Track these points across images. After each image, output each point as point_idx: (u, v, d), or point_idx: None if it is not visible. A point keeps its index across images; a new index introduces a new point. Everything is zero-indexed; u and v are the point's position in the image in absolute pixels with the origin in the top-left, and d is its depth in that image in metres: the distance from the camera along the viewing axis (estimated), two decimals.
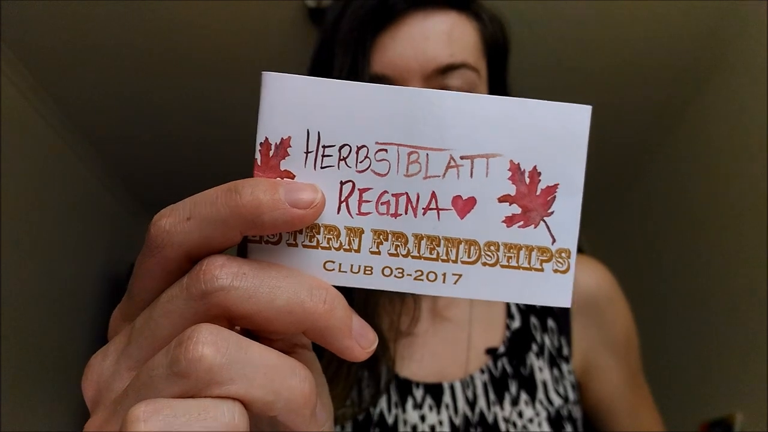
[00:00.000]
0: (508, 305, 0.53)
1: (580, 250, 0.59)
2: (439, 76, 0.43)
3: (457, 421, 0.46)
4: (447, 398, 0.47)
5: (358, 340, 0.17)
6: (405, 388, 0.47)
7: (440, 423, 0.46)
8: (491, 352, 0.49)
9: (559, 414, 0.48)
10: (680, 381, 1.78)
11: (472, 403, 0.47)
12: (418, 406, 0.46)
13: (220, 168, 2.41)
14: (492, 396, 0.47)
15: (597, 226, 2.47)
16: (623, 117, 2.02)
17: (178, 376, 0.15)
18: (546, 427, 0.46)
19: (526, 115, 0.17)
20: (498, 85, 0.49)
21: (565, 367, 0.51)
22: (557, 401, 0.48)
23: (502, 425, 0.46)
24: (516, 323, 0.51)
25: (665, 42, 1.66)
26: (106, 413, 0.17)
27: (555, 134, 0.18)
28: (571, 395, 0.50)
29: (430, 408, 0.46)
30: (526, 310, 0.53)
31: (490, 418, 0.46)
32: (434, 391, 0.47)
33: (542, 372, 0.49)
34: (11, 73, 1.76)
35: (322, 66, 0.46)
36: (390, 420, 0.45)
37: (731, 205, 1.67)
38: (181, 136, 2.20)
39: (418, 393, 0.47)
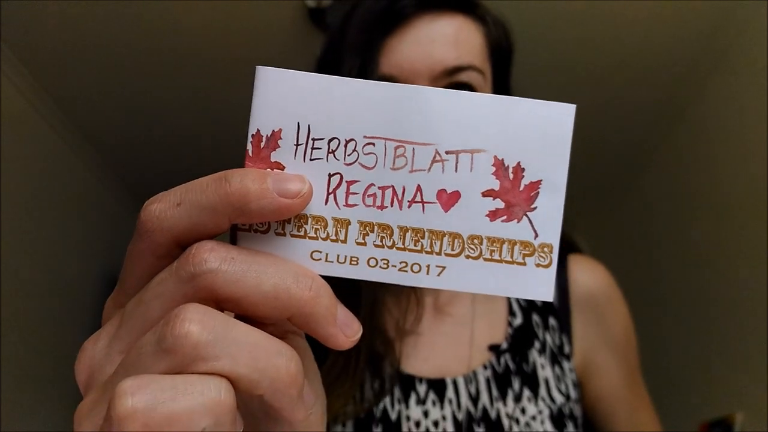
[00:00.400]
0: (509, 302, 0.53)
1: (578, 251, 0.59)
2: (445, 78, 0.44)
3: (460, 416, 0.46)
4: (450, 393, 0.47)
5: (343, 329, 0.17)
6: (408, 383, 0.47)
7: (443, 418, 0.46)
8: (494, 348, 0.50)
9: (561, 412, 0.48)
10: (680, 381, 1.78)
11: (475, 399, 0.47)
12: (421, 401, 0.46)
13: (220, 168, 2.41)
14: (495, 392, 0.47)
15: (597, 226, 2.47)
16: (623, 117, 2.02)
17: (165, 353, 0.15)
18: (549, 424, 0.47)
19: (510, 112, 0.18)
20: (502, 88, 0.50)
21: (566, 365, 0.51)
22: (559, 399, 0.48)
23: (505, 421, 0.46)
24: (518, 320, 0.52)
25: (665, 42, 1.66)
26: (98, 394, 0.17)
27: (539, 131, 0.18)
28: (573, 393, 0.50)
29: (434, 403, 0.46)
30: (528, 308, 0.53)
31: (493, 414, 0.46)
32: (437, 386, 0.47)
33: (544, 369, 0.50)
34: (11, 73, 1.76)
35: (329, 68, 0.46)
36: (393, 416, 0.45)
37: (731, 205, 1.67)
38: (182, 136, 2.20)
39: (421, 388, 0.47)
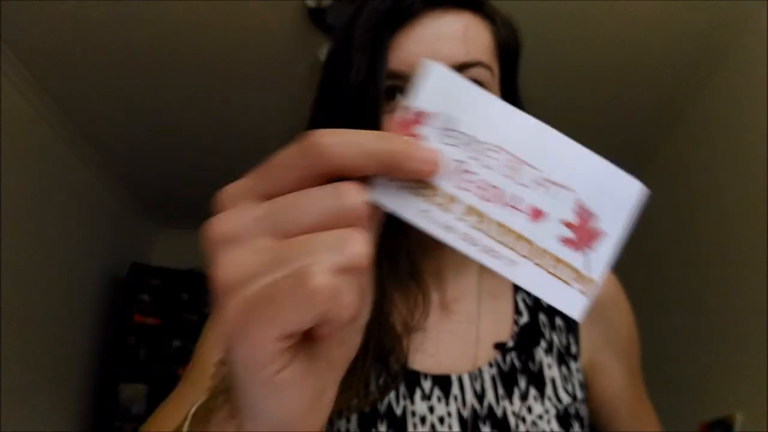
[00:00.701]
0: (516, 301, 0.53)
1: None
2: None
3: (466, 413, 0.46)
4: (455, 390, 0.47)
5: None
6: (413, 379, 0.47)
7: (449, 415, 0.46)
8: (500, 346, 0.50)
9: (567, 412, 0.48)
10: (680, 381, 1.78)
11: (480, 397, 0.47)
12: (426, 397, 0.46)
13: (220, 166, 2.41)
14: (501, 390, 0.47)
15: None
16: (623, 117, 2.02)
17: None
18: (555, 424, 0.46)
19: (603, 172, 0.23)
20: (509, 88, 0.50)
21: (573, 365, 0.51)
22: (566, 399, 0.48)
23: (512, 420, 0.46)
24: (524, 318, 0.52)
25: (665, 42, 1.67)
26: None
27: (615, 195, 0.23)
28: (579, 393, 0.50)
29: (439, 399, 0.46)
30: (534, 307, 0.53)
31: (499, 412, 0.46)
32: (442, 382, 0.47)
33: (551, 369, 0.50)
34: (11, 73, 1.76)
35: (337, 67, 0.46)
36: (398, 411, 0.46)
37: (731, 205, 1.67)
38: (182, 136, 2.21)
39: (426, 384, 0.47)
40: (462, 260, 0.52)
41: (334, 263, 0.19)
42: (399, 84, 0.44)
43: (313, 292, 0.18)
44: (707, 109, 1.82)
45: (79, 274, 2.31)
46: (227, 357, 0.20)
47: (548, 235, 0.22)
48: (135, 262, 2.62)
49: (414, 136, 0.22)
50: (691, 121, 1.92)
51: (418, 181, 0.21)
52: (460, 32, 0.45)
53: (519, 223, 0.21)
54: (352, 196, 0.20)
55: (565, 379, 0.49)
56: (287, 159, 0.21)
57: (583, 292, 0.22)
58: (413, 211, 0.21)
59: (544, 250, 0.22)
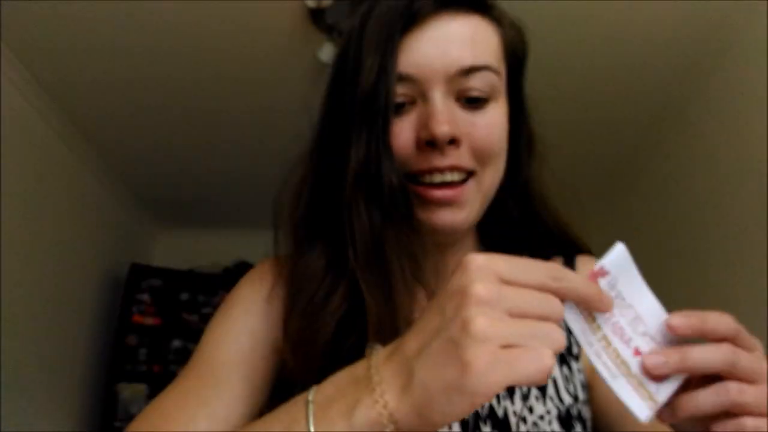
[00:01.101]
0: None
1: (588, 251, 0.59)
2: (461, 78, 0.44)
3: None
4: None
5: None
6: None
7: None
8: None
9: (569, 413, 0.48)
10: None
11: None
12: None
13: (220, 166, 2.41)
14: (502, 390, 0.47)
15: (597, 225, 2.47)
16: (623, 117, 2.02)
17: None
18: (556, 424, 0.46)
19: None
20: (515, 91, 0.50)
21: (575, 365, 0.51)
22: (567, 400, 0.48)
23: (512, 420, 0.46)
24: None
25: (665, 42, 1.67)
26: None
27: None
28: (581, 394, 0.50)
29: None
30: None
31: (500, 412, 0.46)
32: None
33: (552, 369, 0.49)
34: (11, 73, 1.76)
35: (347, 66, 0.47)
36: None
37: (731, 205, 1.67)
38: (181, 136, 2.20)
39: None
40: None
41: (554, 349, 0.28)
42: (407, 92, 0.44)
43: (545, 368, 0.27)
44: (707, 109, 1.82)
45: (79, 274, 2.31)
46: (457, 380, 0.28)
47: (639, 366, 0.33)
48: (135, 262, 2.62)
49: (595, 281, 0.34)
50: (691, 121, 1.92)
51: (589, 311, 0.33)
52: (470, 36, 0.45)
53: (626, 354, 0.33)
54: (559, 307, 0.30)
55: (567, 380, 0.49)
56: (538, 269, 0.31)
57: (650, 408, 0.33)
58: (578, 327, 0.33)
59: (635, 375, 0.33)
